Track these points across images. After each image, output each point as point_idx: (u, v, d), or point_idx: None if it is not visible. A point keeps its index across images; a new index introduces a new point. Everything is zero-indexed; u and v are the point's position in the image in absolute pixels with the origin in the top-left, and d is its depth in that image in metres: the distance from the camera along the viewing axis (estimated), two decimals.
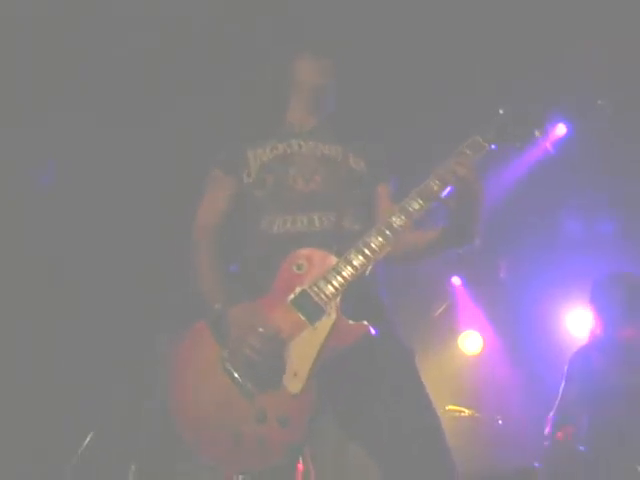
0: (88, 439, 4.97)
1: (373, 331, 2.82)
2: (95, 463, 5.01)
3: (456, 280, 7.94)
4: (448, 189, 2.85)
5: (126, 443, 5.07)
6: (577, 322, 6.87)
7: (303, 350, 2.82)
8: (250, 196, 3.15)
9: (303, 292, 2.86)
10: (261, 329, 2.83)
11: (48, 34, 5.10)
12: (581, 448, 4.76)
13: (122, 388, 5.40)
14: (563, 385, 4.91)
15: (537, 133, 2.95)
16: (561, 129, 6.26)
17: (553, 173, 6.65)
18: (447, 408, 6.85)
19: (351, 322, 2.83)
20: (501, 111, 2.97)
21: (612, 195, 6.92)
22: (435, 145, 2.99)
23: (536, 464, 4.94)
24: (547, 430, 4.87)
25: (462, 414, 6.82)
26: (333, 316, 2.83)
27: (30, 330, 5.58)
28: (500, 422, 6.71)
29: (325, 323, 2.83)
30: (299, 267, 2.91)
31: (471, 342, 7.75)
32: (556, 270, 7.02)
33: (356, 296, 2.86)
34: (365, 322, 2.83)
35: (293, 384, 2.81)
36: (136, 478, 4.73)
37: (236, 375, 2.85)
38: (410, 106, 5.77)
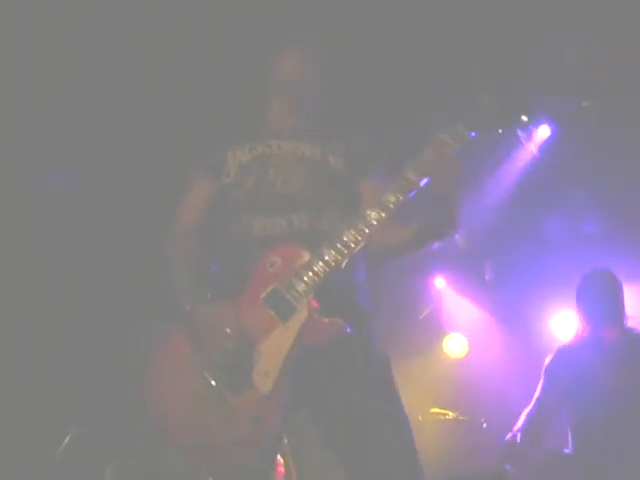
0: (68, 438, 4.94)
1: (348, 329, 2.79)
2: (79, 461, 4.98)
3: (440, 282, 7.92)
4: (426, 180, 2.80)
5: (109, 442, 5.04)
6: (561, 324, 6.86)
7: (275, 349, 2.79)
8: (229, 197, 3.10)
9: (274, 290, 2.83)
10: (228, 329, 2.79)
11: (48, 34, 5.07)
12: (565, 451, 4.74)
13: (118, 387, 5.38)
14: (542, 383, 4.88)
15: (524, 118, 2.89)
16: (545, 130, 6.26)
17: (538, 174, 6.65)
18: (431, 411, 6.84)
19: (325, 320, 2.79)
20: (481, 97, 2.90)
21: (597, 195, 6.91)
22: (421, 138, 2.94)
23: (507, 467, 4.91)
24: (521, 425, 4.82)
25: (446, 417, 6.80)
26: (305, 313, 2.79)
27: (30, 330, 5.55)
28: (484, 425, 6.69)
29: (296, 320, 2.79)
30: (272, 264, 2.88)
31: (456, 345, 7.72)
32: (541, 272, 7.02)
33: (331, 297, 2.82)
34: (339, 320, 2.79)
35: (264, 384, 2.77)
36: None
37: (206, 375, 2.81)
38: (395, 104, 5.75)
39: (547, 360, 4.94)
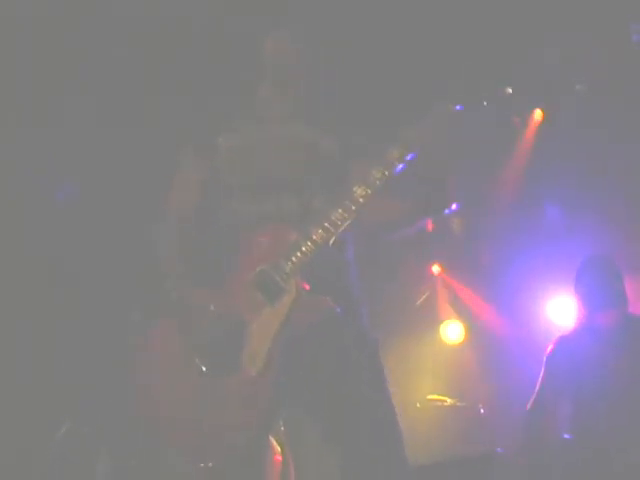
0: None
1: (337, 309, 2.79)
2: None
3: (436, 268, 7.91)
4: (411, 155, 2.80)
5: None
6: (559, 310, 6.85)
7: (263, 330, 2.78)
8: (220, 180, 3.10)
9: (262, 271, 2.83)
10: (216, 311, 2.79)
11: (48, 34, 5.05)
12: (565, 436, 4.74)
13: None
14: (543, 372, 4.88)
15: (508, 90, 2.88)
16: (539, 115, 6.24)
17: (534, 159, 6.64)
18: (429, 397, 6.84)
19: (313, 299, 2.79)
20: (465, 69, 2.90)
21: (593, 182, 6.89)
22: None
23: (498, 449, 4.91)
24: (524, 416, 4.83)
25: (444, 403, 6.80)
26: (293, 293, 2.79)
27: (30, 330, 5.54)
28: (482, 411, 6.69)
29: (284, 301, 2.79)
30: (260, 246, 2.87)
31: (452, 331, 7.71)
32: (538, 258, 7.00)
33: (320, 278, 2.82)
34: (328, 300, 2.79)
35: (253, 365, 2.76)
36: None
37: (197, 361, 2.81)
38: (383, 82, 5.73)
39: (548, 349, 4.93)
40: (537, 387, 4.86)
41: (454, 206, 2.99)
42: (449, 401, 6.80)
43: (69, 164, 5.72)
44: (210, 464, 2.74)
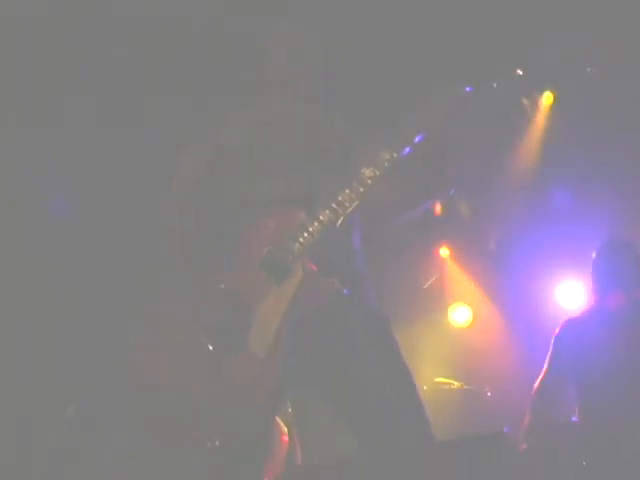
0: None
1: (344, 290, 2.79)
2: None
3: (444, 251, 7.90)
4: (419, 136, 2.79)
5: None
6: (567, 293, 6.85)
7: (271, 311, 2.78)
8: (229, 160, 3.09)
9: (269, 252, 2.82)
10: (221, 291, 2.79)
11: (48, 34, 5.04)
12: (573, 419, 4.74)
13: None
14: (550, 355, 4.87)
15: (519, 71, 2.87)
16: (549, 98, 6.20)
17: (544, 142, 6.60)
18: (436, 380, 6.85)
19: (321, 280, 2.79)
20: (475, 50, 2.88)
21: (601, 165, 6.86)
22: None
23: (505, 429, 4.90)
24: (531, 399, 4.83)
25: (451, 386, 6.81)
26: (299, 274, 2.79)
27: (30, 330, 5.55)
28: (489, 394, 6.70)
29: (292, 282, 2.79)
30: (268, 227, 2.87)
31: (460, 314, 7.72)
32: (545, 241, 6.99)
33: (328, 259, 2.82)
34: (336, 280, 2.79)
35: (261, 346, 2.76)
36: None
37: (204, 341, 2.81)
38: (394, 68, 5.72)
39: (555, 331, 4.92)
40: (543, 370, 4.86)
41: (452, 191, 3.00)
42: (456, 384, 6.81)
43: (69, 164, 5.72)
44: (217, 442, 2.74)
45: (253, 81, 3.29)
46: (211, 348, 2.80)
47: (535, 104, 6.36)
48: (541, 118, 6.41)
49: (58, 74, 5.26)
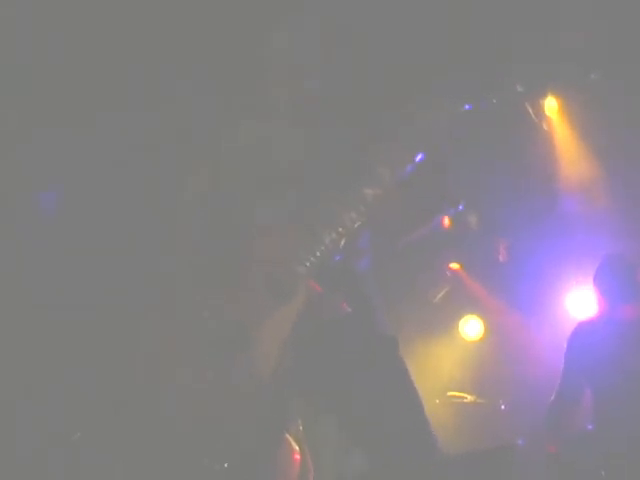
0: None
1: (348, 309, 2.79)
2: None
3: (455, 265, 7.87)
4: (420, 155, 2.79)
5: None
6: (577, 303, 6.81)
7: (275, 331, 2.78)
8: (232, 178, 3.08)
9: (273, 273, 2.82)
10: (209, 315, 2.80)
11: (48, 34, 5.06)
12: (589, 427, 4.71)
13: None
14: (564, 367, 4.85)
15: (518, 88, 2.86)
16: (553, 103, 6.18)
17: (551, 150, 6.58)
18: (449, 394, 6.82)
19: (324, 300, 2.78)
20: (470, 69, 2.88)
21: (609, 173, 6.83)
22: None
23: (520, 441, 4.87)
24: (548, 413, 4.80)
25: (464, 400, 6.78)
26: (304, 294, 2.78)
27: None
28: (503, 407, 6.66)
29: (295, 301, 2.78)
30: (274, 247, 2.87)
31: (472, 327, 7.68)
32: (555, 252, 6.96)
33: (332, 280, 2.81)
34: (340, 299, 2.78)
35: (266, 365, 2.76)
36: None
37: (207, 363, 2.81)
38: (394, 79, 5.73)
39: (568, 341, 4.91)
40: (559, 379, 4.84)
41: (460, 206, 3.00)
42: (469, 398, 6.78)
43: (66, 165, 5.73)
44: (225, 465, 2.74)
45: (255, 99, 3.29)
46: (215, 372, 2.81)
47: (540, 110, 6.34)
48: (548, 124, 6.38)
49: (58, 74, 5.27)
